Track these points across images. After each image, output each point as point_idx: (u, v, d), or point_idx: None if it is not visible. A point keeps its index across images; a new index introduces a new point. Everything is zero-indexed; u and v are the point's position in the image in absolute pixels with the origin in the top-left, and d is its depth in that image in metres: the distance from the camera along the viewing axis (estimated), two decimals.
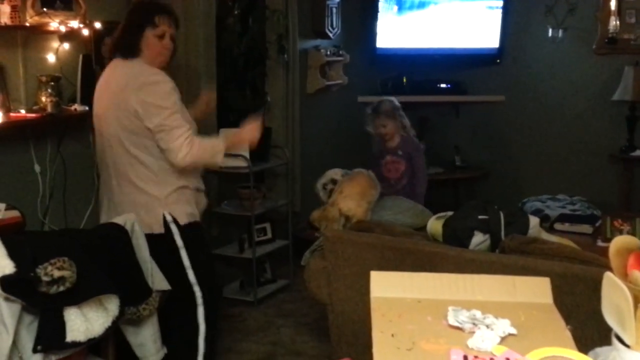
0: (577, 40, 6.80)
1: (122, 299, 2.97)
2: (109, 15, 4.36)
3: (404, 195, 4.97)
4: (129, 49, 3.57)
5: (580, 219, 5.31)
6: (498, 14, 6.98)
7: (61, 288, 2.75)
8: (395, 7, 6.87)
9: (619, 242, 1.62)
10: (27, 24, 3.80)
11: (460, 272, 1.78)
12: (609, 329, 1.53)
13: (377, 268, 1.95)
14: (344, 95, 6.85)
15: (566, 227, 4.94)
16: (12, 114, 3.79)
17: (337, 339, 3.82)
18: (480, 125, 7.35)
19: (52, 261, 2.73)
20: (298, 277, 5.19)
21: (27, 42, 3.93)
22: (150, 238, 3.39)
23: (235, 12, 5.54)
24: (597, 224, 4.82)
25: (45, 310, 2.76)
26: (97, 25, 4.16)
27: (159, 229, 3.53)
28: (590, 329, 2.76)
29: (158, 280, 3.29)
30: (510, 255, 3.32)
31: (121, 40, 3.62)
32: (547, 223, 4.97)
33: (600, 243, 4.48)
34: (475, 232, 3.50)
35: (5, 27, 3.68)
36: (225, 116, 5.50)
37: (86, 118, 4.19)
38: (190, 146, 3.45)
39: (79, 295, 2.80)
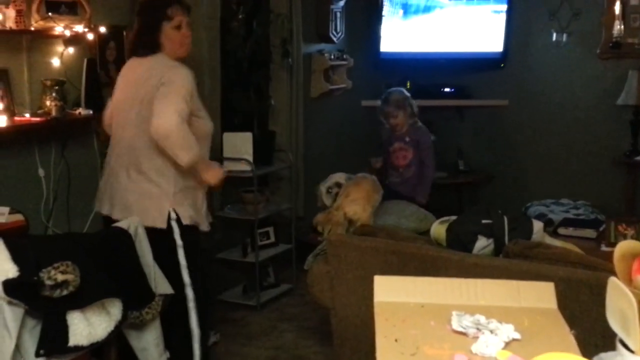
0: (581, 44, 6.79)
1: (125, 303, 2.97)
2: (113, 19, 4.36)
3: (413, 182, 5.22)
4: (150, 46, 3.58)
5: (584, 223, 5.31)
6: (502, 18, 6.98)
7: (64, 292, 2.75)
8: (401, 11, 6.86)
9: (624, 247, 1.62)
10: (32, 28, 3.80)
11: (464, 276, 1.78)
12: (613, 334, 1.53)
13: (380, 272, 1.95)
14: (347, 99, 6.85)
15: (570, 231, 4.94)
16: (16, 118, 3.79)
17: (340, 343, 3.81)
18: (484, 130, 7.34)
19: (56, 265, 2.74)
20: (301, 282, 5.18)
21: (32, 46, 3.93)
22: (150, 232, 3.40)
23: (240, 16, 5.54)
24: (601, 229, 4.82)
25: (48, 314, 2.76)
26: (102, 29, 4.17)
27: (161, 224, 3.51)
28: (594, 334, 2.75)
29: (161, 285, 3.30)
30: (513, 259, 3.31)
31: (140, 40, 3.63)
32: (550, 227, 4.97)
33: (604, 247, 4.47)
34: (479, 237, 3.49)
35: (11, 32, 3.69)
36: (230, 119, 5.51)
37: (90, 122, 4.20)
38: (178, 120, 3.34)
39: (82, 299, 2.81)
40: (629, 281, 1.58)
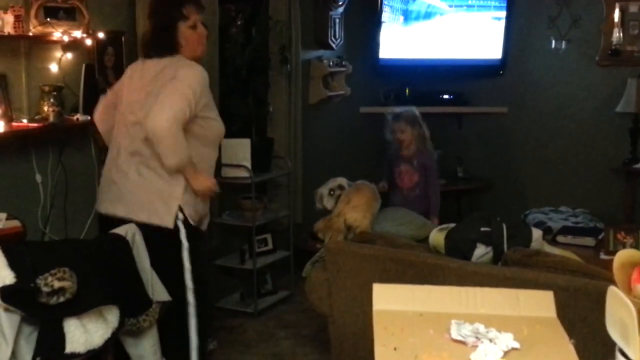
0: (580, 52, 6.80)
1: (122, 310, 2.96)
2: (112, 25, 4.36)
3: (417, 205, 5.06)
4: (167, 47, 3.53)
5: (583, 231, 5.30)
6: (501, 25, 6.98)
7: (61, 299, 2.74)
8: (401, 18, 6.86)
9: (623, 255, 1.62)
10: (31, 34, 3.80)
11: (463, 284, 1.78)
12: (612, 343, 1.52)
13: (378, 280, 1.94)
14: (346, 106, 6.84)
15: (569, 239, 4.93)
16: (14, 124, 3.78)
17: (337, 351, 3.80)
18: (483, 137, 7.34)
19: (53, 272, 2.73)
20: (299, 289, 5.17)
21: (30, 51, 3.93)
22: (154, 231, 3.38)
23: (239, 23, 5.54)
24: (600, 237, 4.81)
25: (44, 321, 2.75)
26: (100, 35, 4.17)
27: (169, 223, 3.46)
28: (593, 343, 2.75)
29: (158, 291, 3.28)
30: (512, 267, 3.31)
31: (156, 41, 3.57)
32: (549, 235, 4.96)
33: (603, 256, 4.47)
34: (478, 244, 3.49)
35: (9, 37, 3.68)
36: (228, 126, 5.49)
37: (88, 128, 4.19)
38: (172, 122, 3.31)
39: (79, 306, 2.80)
40: (629, 290, 1.58)
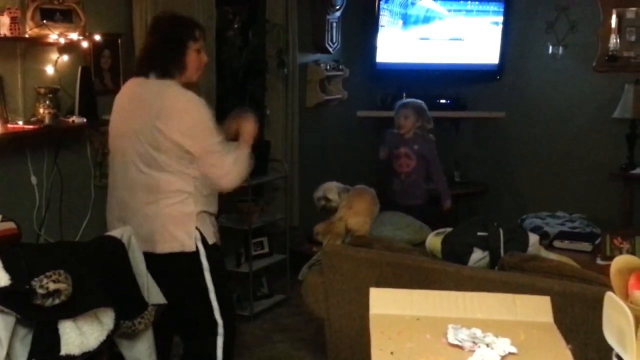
0: (578, 57, 6.81)
1: (118, 313, 2.94)
2: (108, 27, 4.36)
3: (414, 190, 5.49)
4: (174, 66, 3.35)
5: (580, 236, 5.30)
6: (499, 30, 6.99)
7: (56, 301, 2.73)
8: (400, 22, 6.86)
9: (620, 261, 1.61)
10: (27, 36, 3.80)
11: (459, 288, 1.77)
12: (609, 349, 1.52)
13: (375, 284, 1.94)
14: (343, 110, 6.84)
15: (565, 244, 4.94)
16: (9, 125, 3.78)
17: (334, 355, 3.79)
18: (480, 141, 7.34)
19: (48, 274, 2.71)
20: (295, 292, 5.17)
21: (26, 53, 3.92)
22: (177, 257, 3.32)
23: (236, 26, 5.54)
24: (597, 242, 4.81)
25: (39, 323, 2.74)
26: (97, 37, 4.16)
27: (190, 247, 3.33)
28: (590, 349, 2.75)
29: (154, 294, 3.27)
30: (509, 272, 3.31)
31: (163, 57, 3.36)
32: (546, 240, 4.96)
33: (599, 261, 4.47)
34: (475, 249, 3.49)
35: (5, 39, 3.68)
36: None
37: (84, 130, 4.19)
38: (237, 166, 3.37)
39: (74, 308, 2.78)
40: (626, 296, 1.57)
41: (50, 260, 2.82)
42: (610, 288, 1.59)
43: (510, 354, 1.55)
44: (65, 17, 3.97)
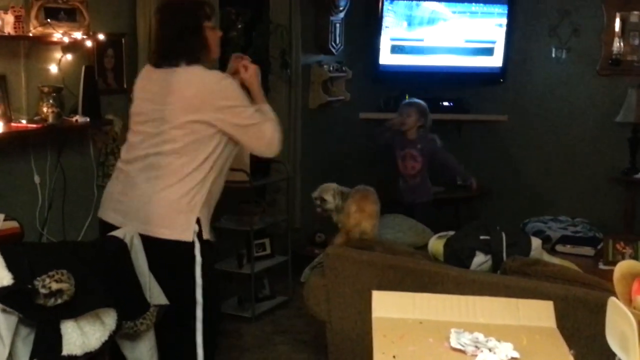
0: (581, 61, 6.80)
1: (120, 313, 2.94)
2: (112, 27, 4.36)
3: (419, 194, 5.71)
4: (199, 52, 3.33)
5: (582, 241, 5.30)
6: (503, 33, 6.99)
7: (59, 301, 2.73)
8: (405, 23, 6.86)
9: (624, 267, 1.61)
10: (31, 34, 3.79)
11: (461, 292, 1.77)
12: (610, 354, 1.52)
13: (377, 287, 1.94)
14: (346, 111, 6.84)
15: (568, 249, 4.93)
16: (13, 124, 3.78)
17: (335, 357, 3.79)
18: (482, 145, 7.33)
19: (51, 273, 2.71)
20: (297, 294, 5.16)
21: (30, 52, 3.92)
22: (172, 244, 3.30)
23: (239, 26, 5.54)
24: (599, 247, 4.80)
25: (42, 323, 2.74)
26: (101, 37, 4.17)
27: (188, 237, 3.30)
28: (592, 354, 2.74)
29: (156, 295, 3.27)
30: (511, 276, 3.30)
31: (184, 44, 3.31)
32: (548, 244, 4.95)
33: (601, 266, 4.46)
34: (477, 253, 3.48)
35: (9, 37, 3.68)
36: None
37: (87, 129, 4.19)
38: (275, 130, 3.38)
39: (76, 308, 2.78)
40: (629, 301, 1.57)
41: (53, 260, 2.82)
42: (613, 293, 1.59)
43: (512, 358, 1.55)
44: (70, 16, 3.97)
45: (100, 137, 4.34)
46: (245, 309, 5.27)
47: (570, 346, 1.63)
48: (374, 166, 6.79)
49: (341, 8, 6.46)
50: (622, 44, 6.53)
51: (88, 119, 4.02)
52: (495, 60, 7.07)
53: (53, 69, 4.04)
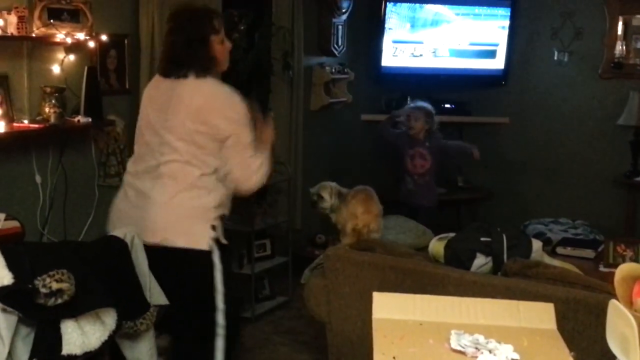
0: (583, 64, 6.80)
1: (120, 313, 2.94)
2: (115, 28, 4.36)
3: (426, 194, 5.85)
4: (200, 63, 3.35)
5: (583, 243, 5.29)
6: (505, 35, 6.98)
7: (59, 300, 2.73)
8: (408, 25, 6.86)
9: (625, 269, 1.61)
10: (34, 35, 3.80)
11: (462, 294, 1.77)
12: (611, 356, 1.52)
13: (377, 288, 1.94)
14: (347, 113, 6.84)
15: (568, 251, 4.92)
16: (15, 124, 3.78)
17: (335, 358, 3.79)
18: (484, 147, 7.30)
19: (51, 273, 2.71)
20: (297, 295, 5.16)
21: (32, 52, 3.93)
22: (189, 253, 3.31)
23: (242, 28, 5.53)
24: (600, 249, 4.80)
25: (42, 323, 2.74)
26: (104, 37, 4.17)
27: (204, 245, 3.31)
28: (592, 356, 2.74)
29: (156, 295, 3.27)
30: (512, 278, 3.30)
31: (190, 55, 3.34)
32: (549, 247, 4.95)
33: (602, 268, 4.45)
34: (478, 254, 3.48)
35: (12, 38, 3.69)
36: None
37: (89, 130, 4.19)
38: (261, 170, 3.41)
39: (76, 308, 2.78)
40: (630, 304, 1.57)
41: (54, 260, 2.82)
42: (614, 295, 1.59)
43: None
44: (73, 17, 3.98)
45: (102, 137, 4.35)
46: (245, 310, 5.26)
47: (570, 348, 1.63)
48: (375, 168, 6.79)
49: (344, 10, 6.46)
50: (624, 47, 6.53)
51: (90, 120, 4.03)
52: (498, 63, 7.07)
53: (56, 69, 4.04)
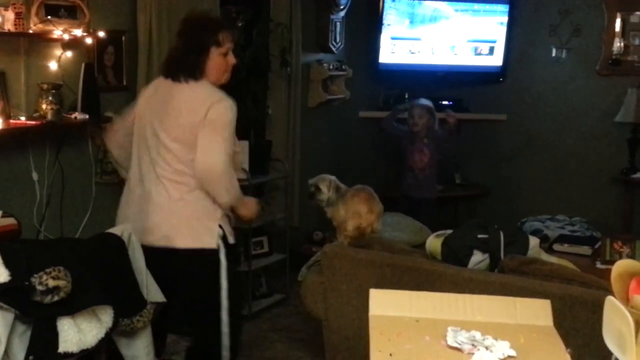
0: (581, 61, 6.80)
1: (116, 310, 2.94)
2: (112, 24, 4.35)
3: (426, 188, 6.05)
4: (193, 71, 3.38)
5: (580, 240, 5.30)
6: (503, 32, 6.98)
7: (55, 298, 2.73)
8: (407, 21, 6.85)
9: (621, 266, 1.61)
10: (31, 31, 3.79)
11: (459, 291, 1.77)
12: (607, 352, 1.52)
13: (374, 285, 1.94)
14: (345, 110, 6.83)
15: (565, 248, 4.93)
16: (12, 121, 3.77)
17: (332, 356, 3.79)
18: (481, 144, 7.33)
19: (47, 270, 2.71)
20: (294, 292, 5.16)
21: (29, 49, 3.92)
22: (197, 253, 3.34)
23: (240, 24, 5.53)
24: (597, 246, 4.81)
25: (38, 320, 2.74)
26: (101, 34, 4.16)
27: (211, 244, 3.36)
28: (589, 353, 2.74)
29: (153, 292, 3.27)
30: (509, 275, 3.30)
31: (184, 62, 3.39)
32: (546, 243, 4.95)
33: (599, 265, 4.46)
34: (475, 251, 3.49)
35: (9, 34, 3.67)
36: None
37: (86, 127, 4.18)
38: (227, 165, 3.33)
39: (73, 305, 2.78)
40: (626, 300, 1.57)
41: (50, 257, 2.82)
42: (611, 292, 1.59)
43: (509, 357, 1.55)
44: (70, 13, 3.96)
45: (99, 134, 4.33)
46: (242, 307, 5.26)
47: (567, 345, 1.63)
48: (373, 165, 6.80)
49: (342, 6, 6.45)
50: (622, 44, 6.53)
51: (87, 116, 4.02)
52: (496, 60, 7.07)
53: (53, 66, 4.03)
